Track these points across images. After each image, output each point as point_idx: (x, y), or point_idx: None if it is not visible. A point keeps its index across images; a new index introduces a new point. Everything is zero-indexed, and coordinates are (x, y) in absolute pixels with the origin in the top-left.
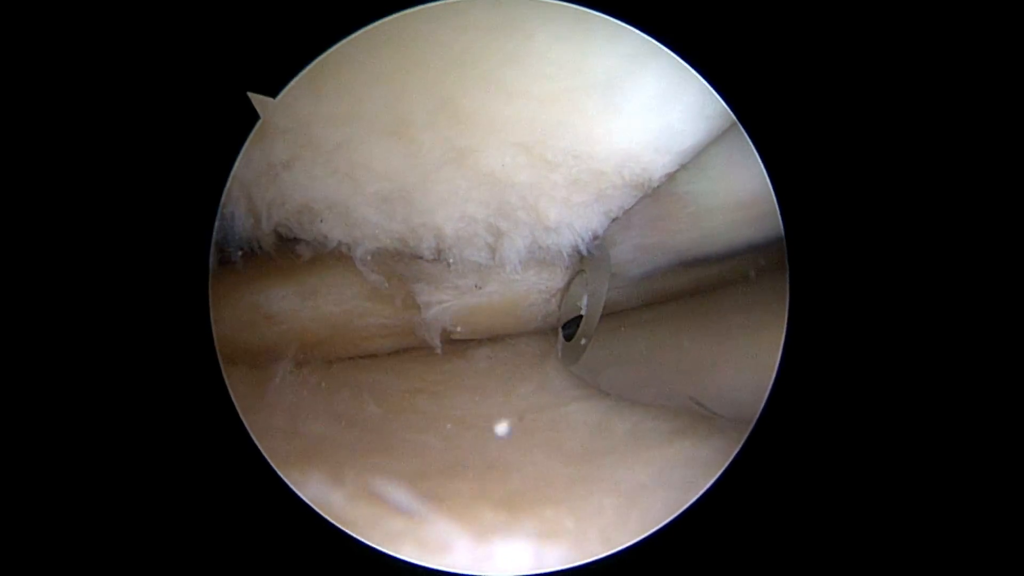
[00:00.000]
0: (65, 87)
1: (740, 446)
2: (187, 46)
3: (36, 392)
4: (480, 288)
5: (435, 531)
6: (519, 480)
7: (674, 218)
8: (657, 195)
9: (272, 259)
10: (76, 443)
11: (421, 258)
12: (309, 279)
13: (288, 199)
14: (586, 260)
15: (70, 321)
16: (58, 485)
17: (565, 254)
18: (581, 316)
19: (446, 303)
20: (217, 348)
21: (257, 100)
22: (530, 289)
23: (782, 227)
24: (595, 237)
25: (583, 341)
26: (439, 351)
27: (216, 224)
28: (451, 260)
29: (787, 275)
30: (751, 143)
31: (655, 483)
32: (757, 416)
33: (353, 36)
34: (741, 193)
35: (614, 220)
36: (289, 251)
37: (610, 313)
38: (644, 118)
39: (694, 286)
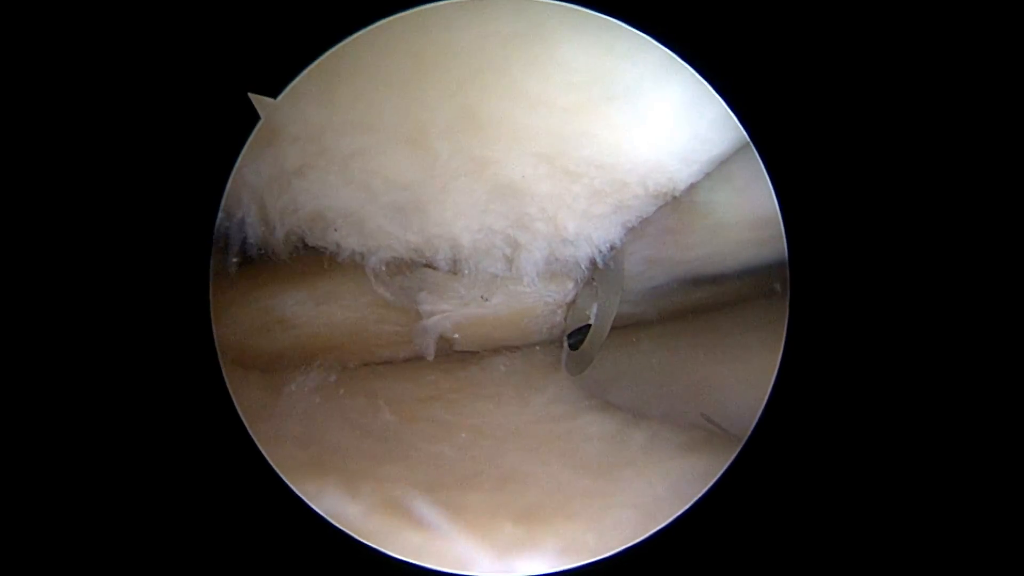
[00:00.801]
0: (65, 87)
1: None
2: (187, 45)
3: (40, 400)
4: (487, 300)
5: (453, 546)
6: (536, 493)
7: (689, 230)
8: (675, 205)
9: (285, 265)
10: (81, 455)
11: (436, 269)
12: (323, 284)
13: (301, 207)
14: (598, 272)
15: (68, 325)
16: (65, 497)
17: (582, 266)
18: (588, 326)
19: (447, 312)
20: (220, 353)
21: (258, 101)
22: (537, 301)
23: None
24: (612, 248)
25: (592, 353)
26: (430, 358)
27: (216, 227)
28: (467, 271)
29: (788, 295)
30: (761, 162)
31: (672, 496)
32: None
33: (366, 31)
34: (763, 207)
35: (630, 230)
36: (302, 258)
37: (621, 326)
38: (671, 127)
39: (707, 302)
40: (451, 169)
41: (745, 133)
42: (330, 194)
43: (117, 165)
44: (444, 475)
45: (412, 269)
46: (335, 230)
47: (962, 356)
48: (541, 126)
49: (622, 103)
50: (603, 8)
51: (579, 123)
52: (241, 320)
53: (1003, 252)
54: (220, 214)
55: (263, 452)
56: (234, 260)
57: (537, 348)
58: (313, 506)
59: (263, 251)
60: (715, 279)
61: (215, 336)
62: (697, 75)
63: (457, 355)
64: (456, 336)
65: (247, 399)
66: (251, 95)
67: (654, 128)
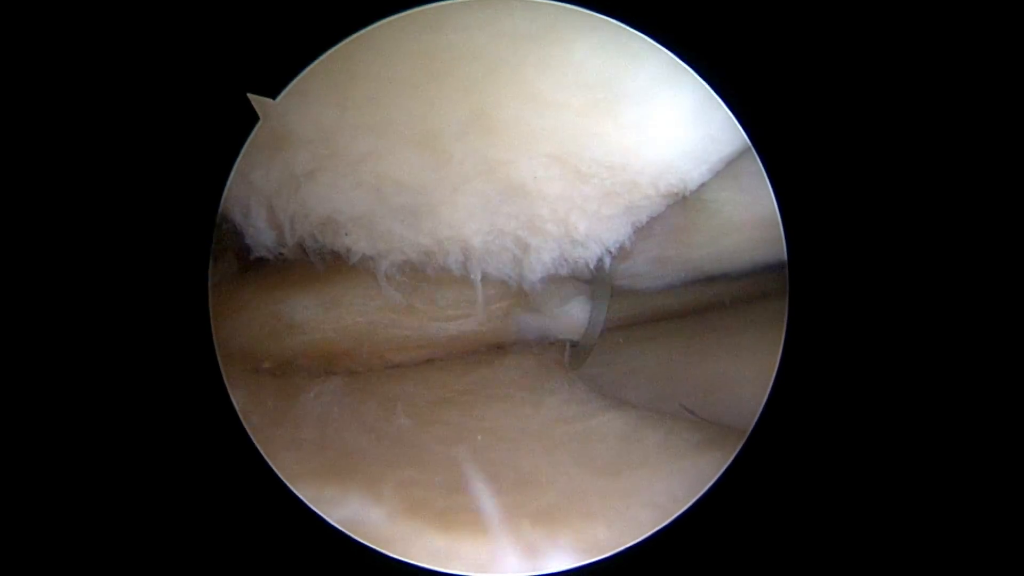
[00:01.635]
0: (64, 87)
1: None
2: (187, 44)
3: (46, 409)
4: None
5: (475, 548)
6: (554, 494)
7: (695, 229)
8: (684, 204)
9: (295, 269)
10: (86, 463)
11: (448, 271)
12: (332, 289)
13: (311, 211)
14: (592, 275)
15: (71, 329)
16: (71, 507)
17: (591, 267)
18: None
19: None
20: (224, 359)
21: (257, 101)
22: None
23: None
24: (620, 248)
25: (588, 348)
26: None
27: (218, 231)
28: (477, 276)
29: (787, 295)
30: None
31: (689, 495)
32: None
33: (373, 28)
34: (765, 207)
35: (638, 229)
36: (312, 262)
37: (626, 325)
38: (684, 127)
39: (713, 300)
40: (463, 171)
41: (746, 136)
42: (340, 197)
43: (116, 166)
44: (460, 478)
45: (421, 273)
46: (346, 234)
47: (962, 355)
48: (554, 127)
49: (634, 103)
50: (609, 12)
51: (591, 124)
52: (251, 325)
53: (1002, 252)
54: (221, 217)
55: (267, 459)
56: (241, 265)
57: (550, 349)
58: (321, 514)
59: (272, 256)
60: (720, 277)
61: (216, 342)
62: (703, 80)
63: (465, 357)
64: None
65: (257, 407)
66: (251, 96)
67: (666, 128)
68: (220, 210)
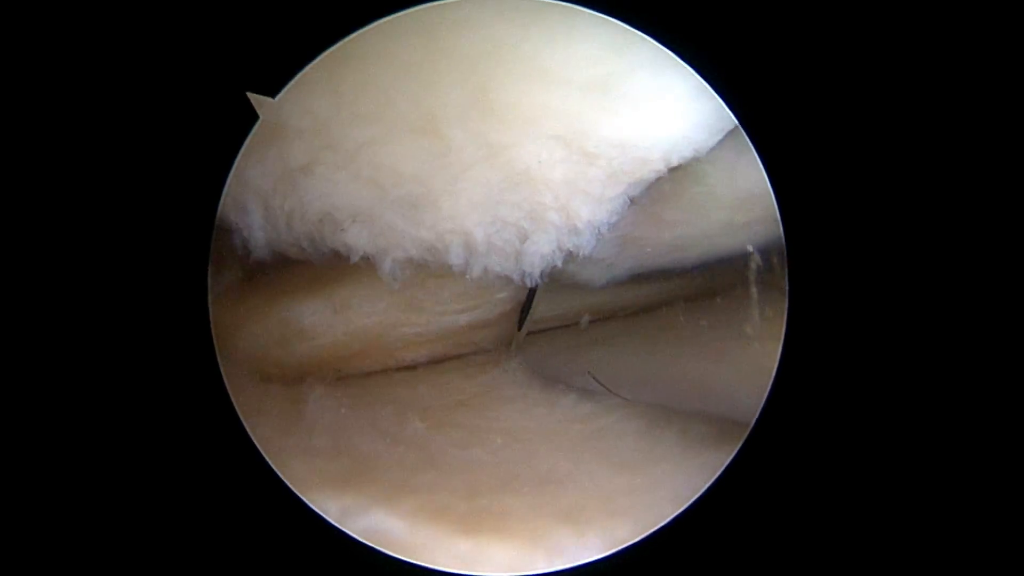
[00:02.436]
0: (64, 88)
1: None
2: (186, 43)
3: (51, 420)
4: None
5: (502, 550)
6: (576, 493)
7: (675, 204)
8: (672, 176)
9: (298, 274)
10: (89, 473)
11: (450, 266)
12: (339, 292)
13: (309, 207)
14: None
15: (71, 340)
16: (78, 521)
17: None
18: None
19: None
20: (228, 368)
21: (257, 100)
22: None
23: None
24: (610, 227)
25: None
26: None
27: (217, 237)
28: (476, 273)
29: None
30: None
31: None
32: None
33: (371, 27)
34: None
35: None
36: (314, 264)
37: (604, 318)
38: (696, 99)
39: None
40: (463, 158)
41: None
42: (338, 192)
43: (116, 166)
44: (481, 480)
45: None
46: (343, 230)
47: (962, 352)
48: (557, 106)
49: (644, 74)
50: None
51: (597, 100)
52: (258, 334)
53: (999, 239)
54: (219, 221)
55: (277, 470)
56: (245, 273)
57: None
58: (338, 524)
59: (272, 258)
60: (704, 264)
61: (219, 353)
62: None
63: (475, 357)
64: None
65: (268, 416)
66: (250, 95)
67: (676, 101)
68: (218, 213)
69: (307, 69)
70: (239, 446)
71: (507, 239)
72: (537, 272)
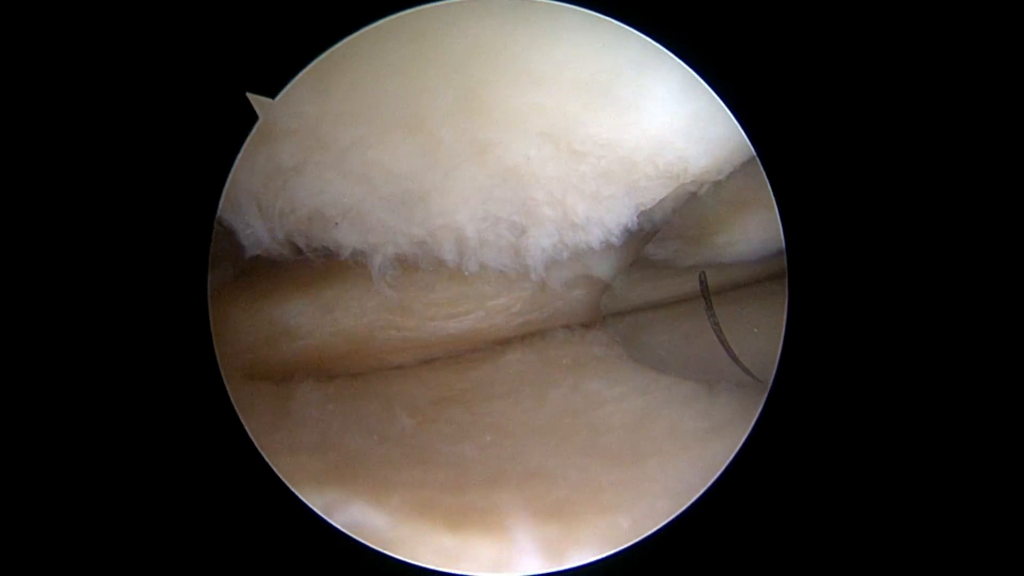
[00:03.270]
0: (64, 88)
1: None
2: (186, 44)
3: (47, 418)
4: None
5: (488, 546)
6: (564, 488)
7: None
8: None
9: (287, 271)
10: (88, 475)
11: (442, 262)
12: (328, 292)
13: (300, 206)
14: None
15: (67, 340)
16: (76, 523)
17: (596, 249)
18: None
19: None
20: (224, 366)
21: (256, 101)
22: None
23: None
24: (626, 232)
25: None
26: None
27: (214, 235)
28: (471, 269)
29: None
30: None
31: (703, 482)
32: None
33: (360, 32)
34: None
35: (643, 212)
36: (304, 263)
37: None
38: (676, 101)
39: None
40: (453, 155)
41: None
42: (329, 189)
43: (116, 167)
44: (468, 476)
45: (415, 267)
46: (335, 224)
47: (965, 355)
48: (545, 105)
49: (628, 76)
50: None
51: (583, 99)
52: (246, 332)
53: (996, 236)
54: (217, 221)
55: (271, 465)
56: (236, 270)
57: (552, 342)
58: (326, 517)
59: (264, 257)
60: (724, 264)
61: (216, 350)
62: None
63: (467, 354)
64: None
65: (257, 412)
66: (249, 95)
67: (659, 102)
68: (217, 214)
69: (300, 74)
70: (233, 439)
71: (500, 234)
72: (541, 266)
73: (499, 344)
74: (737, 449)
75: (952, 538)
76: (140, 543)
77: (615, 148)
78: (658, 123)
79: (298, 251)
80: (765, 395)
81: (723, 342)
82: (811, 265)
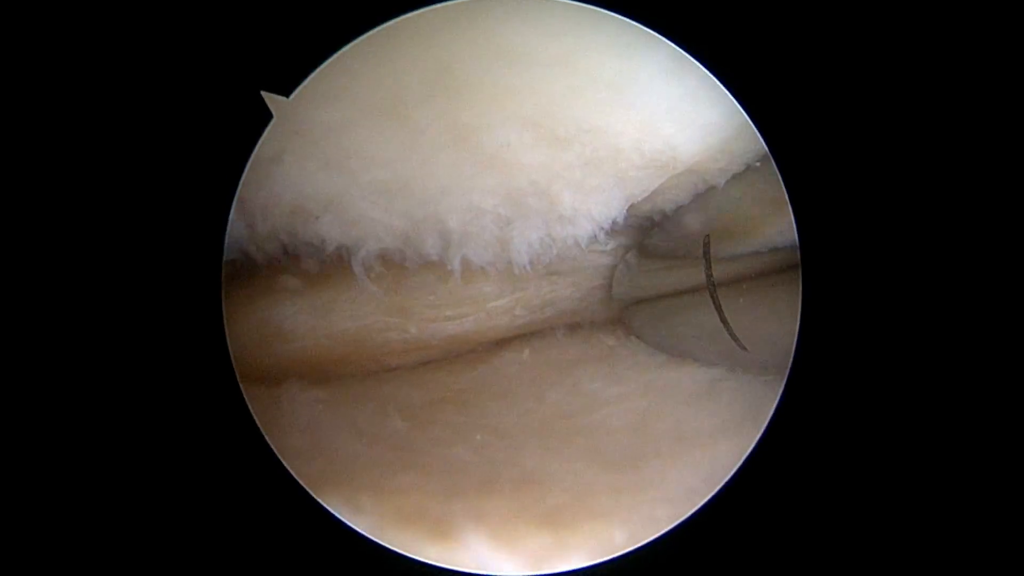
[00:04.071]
0: (64, 89)
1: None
2: (186, 46)
3: (48, 420)
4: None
5: (476, 555)
6: (561, 493)
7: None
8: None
9: (280, 275)
10: (88, 475)
11: (427, 259)
12: (323, 294)
13: (280, 198)
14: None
15: (67, 340)
16: (70, 508)
17: (583, 246)
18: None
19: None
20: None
21: (271, 99)
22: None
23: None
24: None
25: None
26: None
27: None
28: (455, 264)
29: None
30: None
31: (707, 487)
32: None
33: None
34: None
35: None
36: (291, 262)
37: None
38: (663, 82)
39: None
40: (431, 140)
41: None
42: (309, 180)
43: (116, 168)
44: (461, 481)
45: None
46: (316, 218)
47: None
48: (525, 85)
49: (609, 56)
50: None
51: (564, 79)
52: (238, 335)
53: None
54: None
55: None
56: (227, 272)
57: (550, 343)
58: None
59: (252, 258)
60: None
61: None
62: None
63: (463, 356)
64: None
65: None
66: (264, 93)
67: (644, 83)
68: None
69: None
70: (233, 438)
71: (484, 227)
72: (526, 260)
73: (497, 344)
74: (748, 451)
75: (949, 543)
76: (140, 543)
77: (599, 134)
78: (643, 103)
79: (285, 248)
80: (780, 391)
81: (717, 308)
82: (824, 257)
